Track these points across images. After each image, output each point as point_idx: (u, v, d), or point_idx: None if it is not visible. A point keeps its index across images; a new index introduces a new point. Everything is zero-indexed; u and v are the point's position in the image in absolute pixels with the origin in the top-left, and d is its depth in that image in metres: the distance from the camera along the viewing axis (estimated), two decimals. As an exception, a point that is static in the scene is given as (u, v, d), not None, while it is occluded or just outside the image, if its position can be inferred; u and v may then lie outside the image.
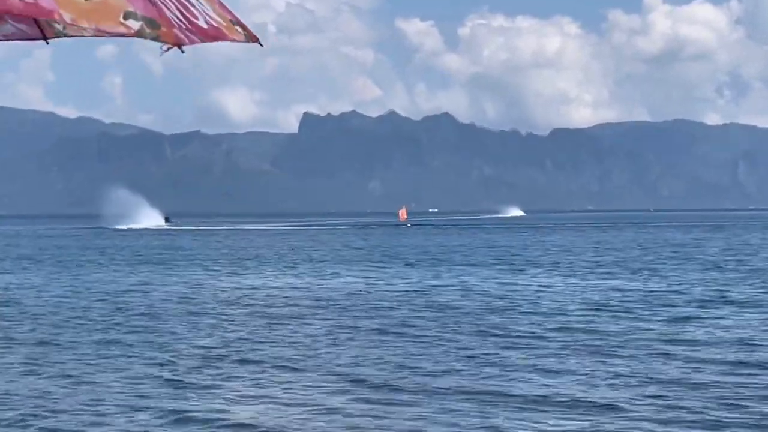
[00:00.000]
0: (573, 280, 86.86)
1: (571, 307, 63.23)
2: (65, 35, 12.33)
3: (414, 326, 54.36)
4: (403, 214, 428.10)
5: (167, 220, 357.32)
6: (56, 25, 12.28)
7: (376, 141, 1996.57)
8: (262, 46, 11.73)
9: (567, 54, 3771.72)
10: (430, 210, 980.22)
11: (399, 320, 57.51)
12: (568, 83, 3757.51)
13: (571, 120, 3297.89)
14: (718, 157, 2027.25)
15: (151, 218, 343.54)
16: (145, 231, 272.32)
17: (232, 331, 53.00)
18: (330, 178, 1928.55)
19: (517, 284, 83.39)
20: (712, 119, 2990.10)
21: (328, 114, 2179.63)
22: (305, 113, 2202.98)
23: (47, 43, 12.61)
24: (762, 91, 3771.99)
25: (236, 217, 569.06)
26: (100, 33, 11.32)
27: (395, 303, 68.10)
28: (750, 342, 45.97)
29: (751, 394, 33.90)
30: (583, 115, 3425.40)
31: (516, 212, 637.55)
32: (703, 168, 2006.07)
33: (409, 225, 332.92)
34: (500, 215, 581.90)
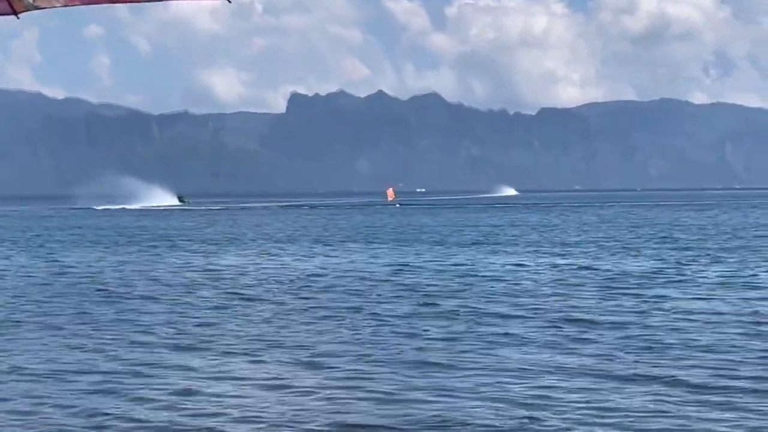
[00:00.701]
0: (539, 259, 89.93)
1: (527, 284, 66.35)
2: (35, 8, 12.08)
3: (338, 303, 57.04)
4: (390, 194, 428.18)
5: (181, 199, 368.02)
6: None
7: (364, 121, 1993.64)
8: (230, 2, 11.81)
9: (554, 33, 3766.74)
10: (418, 190, 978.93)
11: (350, 299, 59.53)
12: (555, 63, 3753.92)
13: (559, 99, 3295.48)
14: (705, 137, 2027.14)
15: (164, 198, 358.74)
16: (161, 210, 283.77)
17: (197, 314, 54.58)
18: (318, 158, 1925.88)
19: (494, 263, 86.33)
20: (699, 99, 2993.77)
21: (316, 94, 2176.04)
22: (293, 93, 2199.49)
23: (18, 18, 12.33)
24: (748, 70, 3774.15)
25: (231, 197, 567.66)
26: (70, 2, 11.37)
27: (357, 282, 70.17)
28: (697, 318, 48.33)
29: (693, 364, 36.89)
30: (570, 95, 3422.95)
31: (510, 192, 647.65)
32: (690, 147, 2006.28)
33: (397, 205, 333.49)
34: (494, 195, 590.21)
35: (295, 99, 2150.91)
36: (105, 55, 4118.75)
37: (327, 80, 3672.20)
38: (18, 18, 12.42)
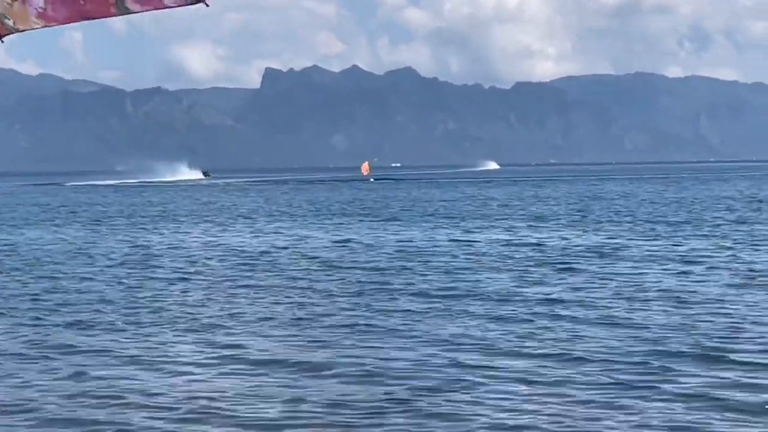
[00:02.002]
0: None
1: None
2: (17, 30, 12.74)
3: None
4: (365, 168, 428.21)
5: (206, 174, 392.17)
6: (7, 22, 12.62)
7: (339, 96, 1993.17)
8: (207, 6, 12.06)
9: (529, 8, 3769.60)
10: (393, 165, 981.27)
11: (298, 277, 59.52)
12: (530, 37, 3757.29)
13: (534, 74, 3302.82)
14: (680, 110, 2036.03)
15: (191, 174, 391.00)
16: (188, 184, 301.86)
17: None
18: (293, 133, 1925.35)
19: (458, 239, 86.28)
20: (674, 72, 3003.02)
21: (291, 69, 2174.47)
22: (268, 69, 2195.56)
23: (2, 42, 12.92)
24: (723, 43, 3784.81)
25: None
26: (49, 23, 12.39)
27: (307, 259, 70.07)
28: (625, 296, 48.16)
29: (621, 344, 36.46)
30: (545, 69, 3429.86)
31: (492, 166, 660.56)
32: (666, 121, 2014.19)
33: (372, 180, 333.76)
34: (476, 169, 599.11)
35: (269, 74, 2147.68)
36: (78, 30, 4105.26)
37: (301, 55, 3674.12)
38: (2, 42, 12.94)
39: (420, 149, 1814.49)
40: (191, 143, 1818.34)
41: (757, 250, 67.50)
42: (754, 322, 37.98)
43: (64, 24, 12.63)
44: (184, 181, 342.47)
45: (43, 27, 12.52)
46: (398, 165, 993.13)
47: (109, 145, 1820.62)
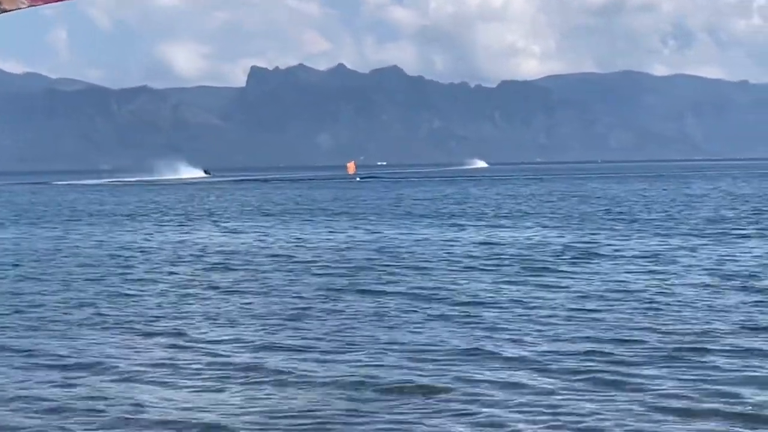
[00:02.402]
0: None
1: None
2: (3, 11, 12.79)
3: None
4: (351, 167, 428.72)
5: (207, 172, 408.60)
6: None
7: (325, 94, 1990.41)
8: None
9: (514, 6, 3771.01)
10: (379, 163, 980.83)
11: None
12: (515, 35, 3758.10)
13: (520, 72, 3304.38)
14: (665, 108, 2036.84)
15: (192, 172, 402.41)
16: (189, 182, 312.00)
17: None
18: (279, 132, 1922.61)
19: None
20: (659, 70, 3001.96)
21: (276, 68, 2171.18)
22: (253, 67, 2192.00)
23: None
24: (707, 41, 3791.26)
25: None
26: (35, 2, 12.31)
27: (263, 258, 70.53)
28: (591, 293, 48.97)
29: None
30: (531, 67, 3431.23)
31: (480, 164, 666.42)
32: (651, 119, 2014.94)
33: (357, 179, 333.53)
34: (466, 167, 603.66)
35: (255, 73, 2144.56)
36: (63, 29, 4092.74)
37: (287, 54, 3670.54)
38: None
39: (405, 148, 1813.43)
40: (177, 142, 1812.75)
41: (729, 249, 68.13)
42: (721, 322, 38.55)
43: (49, 3, 11.89)
44: (185, 179, 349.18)
45: (29, 6, 12.39)
46: (384, 164, 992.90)
47: (94, 143, 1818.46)
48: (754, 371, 30.32)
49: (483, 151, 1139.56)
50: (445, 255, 68.85)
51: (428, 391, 28.83)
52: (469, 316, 41.56)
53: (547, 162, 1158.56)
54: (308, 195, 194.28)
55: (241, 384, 30.14)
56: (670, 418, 25.71)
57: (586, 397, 27.75)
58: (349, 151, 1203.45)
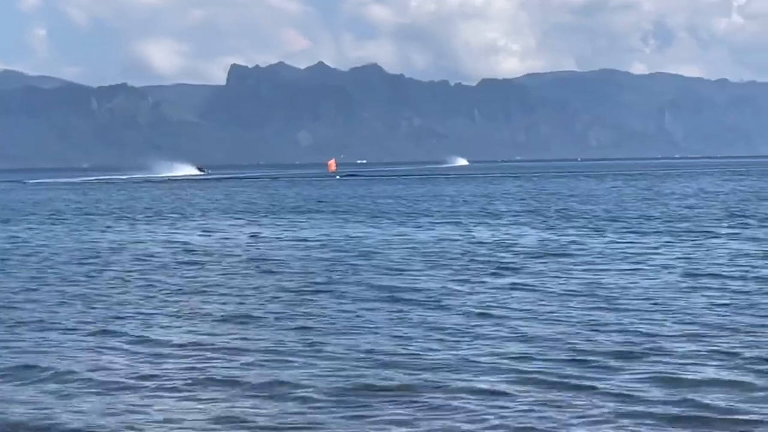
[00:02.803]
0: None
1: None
2: None
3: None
4: (332, 165, 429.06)
5: (200, 170, 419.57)
6: None
7: (305, 92, 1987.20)
8: None
9: (494, 4, 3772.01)
10: (359, 161, 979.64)
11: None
12: (496, 33, 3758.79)
13: (500, 70, 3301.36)
14: (644, 107, 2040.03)
15: (186, 170, 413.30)
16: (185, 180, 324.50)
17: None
18: (259, 130, 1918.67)
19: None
20: (639, 69, 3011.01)
21: (256, 66, 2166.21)
22: (233, 65, 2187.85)
23: None
24: (686, 40, 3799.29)
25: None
26: None
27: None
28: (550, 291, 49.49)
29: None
30: (511, 66, 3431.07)
31: (461, 162, 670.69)
32: (630, 117, 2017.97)
33: (338, 177, 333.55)
34: (447, 165, 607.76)
35: (235, 71, 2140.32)
36: (41, 27, 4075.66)
37: (267, 52, 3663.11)
38: None
39: (385, 146, 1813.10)
40: (156, 140, 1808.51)
41: (698, 249, 68.75)
42: (679, 321, 38.96)
43: None
44: (180, 176, 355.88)
45: None
46: (364, 161, 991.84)
47: (74, 141, 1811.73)
48: (716, 374, 30.63)
49: (463, 149, 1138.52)
50: (414, 253, 69.21)
51: (392, 391, 29.02)
52: (431, 316, 41.88)
53: (527, 160, 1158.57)
54: (286, 193, 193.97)
55: (188, 388, 30.16)
56: (628, 421, 25.96)
57: (540, 398, 28.02)
58: (330, 149, 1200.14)
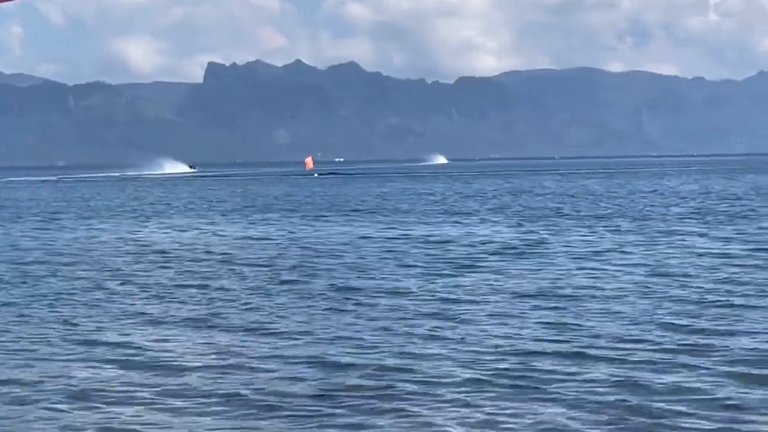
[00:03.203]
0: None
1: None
2: None
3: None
4: (309, 163, 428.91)
5: (191, 167, 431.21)
6: None
7: (283, 90, 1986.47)
8: None
9: (471, 2, 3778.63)
10: (336, 160, 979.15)
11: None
12: (473, 31, 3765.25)
13: (477, 68, 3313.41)
14: (621, 105, 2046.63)
15: (177, 167, 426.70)
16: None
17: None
18: (236, 127, 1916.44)
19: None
20: (615, 67, 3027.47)
21: (234, 64, 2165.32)
22: (210, 63, 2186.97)
23: None
24: (663, 38, 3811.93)
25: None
26: None
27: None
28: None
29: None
30: (488, 63, 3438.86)
31: (441, 160, 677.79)
32: (607, 115, 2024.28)
33: (316, 175, 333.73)
34: (426, 163, 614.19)
35: (212, 69, 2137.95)
36: (17, 24, 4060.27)
37: (244, 50, 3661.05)
38: None
39: (363, 144, 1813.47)
40: (133, 138, 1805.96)
41: (663, 247, 68.97)
42: (633, 324, 38.74)
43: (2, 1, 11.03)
44: (169, 174, 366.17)
45: None
46: (341, 160, 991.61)
47: (50, 139, 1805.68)
48: (673, 379, 30.45)
49: (440, 147, 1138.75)
50: (380, 252, 69.43)
51: (347, 388, 29.09)
52: (395, 313, 41.89)
53: (504, 158, 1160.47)
54: (261, 191, 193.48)
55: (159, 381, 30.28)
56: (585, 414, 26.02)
57: (492, 402, 27.88)
58: (307, 147, 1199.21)
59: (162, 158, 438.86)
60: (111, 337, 38.39)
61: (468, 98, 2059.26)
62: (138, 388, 30.34)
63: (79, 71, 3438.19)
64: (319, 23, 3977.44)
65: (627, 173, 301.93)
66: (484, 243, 75.27)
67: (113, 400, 29.20)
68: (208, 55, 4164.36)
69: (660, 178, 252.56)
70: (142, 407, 28.29)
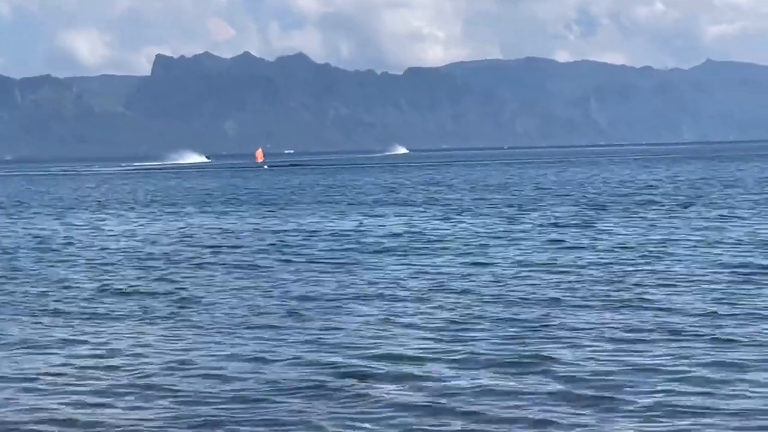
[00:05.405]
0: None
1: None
2: None
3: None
4: (259, 155, 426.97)
5: (208, 158, 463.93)
6: None
7: (231, 82, 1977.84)
8: None
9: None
10: (286, 151, 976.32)
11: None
12: (421, 22, 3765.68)
13: (425, 59, 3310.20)
14: (570, 94, 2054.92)
15: (193, 158, 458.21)
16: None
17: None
18: (185, 120, 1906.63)
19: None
20: (563, 57, 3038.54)
21: (182, 56, 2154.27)
22: (158, 56, 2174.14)
23: None
24: (610, 28, 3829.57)
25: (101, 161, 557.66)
26: None
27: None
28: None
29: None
30: (436, 54, 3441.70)
31: (401, 150, 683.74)
32: (556, 105, 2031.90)
33: (265, 167, 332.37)
34: (387, 153, 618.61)
35: (160, 61, 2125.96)
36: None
37: (192, 42, 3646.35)
38: None
39: (312, 135, 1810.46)
40: (82, 131, 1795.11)
41: (598, 235, 68.99)
42: (564, 326, 38.02)
43: None
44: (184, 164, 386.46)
45: None
46: (291, 151, 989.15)
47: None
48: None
49: (389, 138, 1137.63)
50: (328, 245, 69.38)
51: (311, 388, 29.07)
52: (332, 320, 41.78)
53: (454, 148, 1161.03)
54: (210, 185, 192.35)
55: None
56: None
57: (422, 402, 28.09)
58: (256, 139, 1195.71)
59: (99, 152, 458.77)
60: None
61: (417, 89, 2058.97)
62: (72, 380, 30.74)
63: (25, 64, 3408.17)
64: (267, 14, 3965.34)
65: (573, 162, 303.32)
66: (424, 234, 75.90)
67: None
68: (156, 48, 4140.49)
69: (610, 166, 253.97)
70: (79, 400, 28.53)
